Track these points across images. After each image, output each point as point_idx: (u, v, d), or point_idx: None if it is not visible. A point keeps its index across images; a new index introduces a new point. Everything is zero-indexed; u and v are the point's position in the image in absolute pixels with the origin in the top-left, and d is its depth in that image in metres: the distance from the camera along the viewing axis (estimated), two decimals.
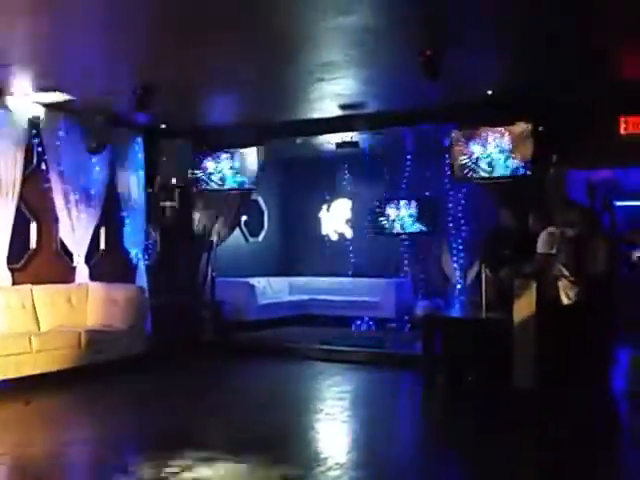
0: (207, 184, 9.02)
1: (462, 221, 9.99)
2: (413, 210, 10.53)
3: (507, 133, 7.33)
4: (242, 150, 8.89)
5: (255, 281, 10.15)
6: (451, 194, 9.97)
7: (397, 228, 10.63)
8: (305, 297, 10.79)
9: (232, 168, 8.95)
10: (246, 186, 8.96)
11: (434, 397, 6.30)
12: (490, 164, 7.43)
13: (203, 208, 9.27)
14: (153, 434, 4.90)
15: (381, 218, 10.82)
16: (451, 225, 10.11)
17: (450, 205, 10.04)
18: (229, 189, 9.00)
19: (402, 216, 10.62)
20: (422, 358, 6.83)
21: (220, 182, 8.97)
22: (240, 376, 7.17)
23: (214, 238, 9.18)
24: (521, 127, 7.24)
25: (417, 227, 10.49)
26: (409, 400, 6.38)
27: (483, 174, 7.50)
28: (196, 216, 9.28)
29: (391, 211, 10.72)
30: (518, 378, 5.98)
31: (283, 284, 11.13)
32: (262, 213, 11.46)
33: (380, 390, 6.62)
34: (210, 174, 9.02)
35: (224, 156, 8.96)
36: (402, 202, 10.59)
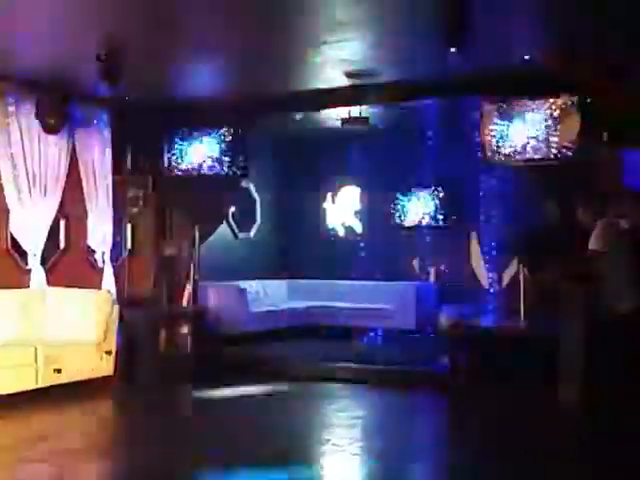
0: (186, 169, 9.05)
1: (495, 212, 10.01)
2: (436, 199, 10.55)
3: (548, 106, 7.33)
4: (228, 129, 8.90)
5: (246, 285, 10.18)
6: (482, 180, 9.98)
7: (417, 221, 10.67)
8: (306, 304, 10.82)
9: (217, 149, 8.97)
10: (234, 171, 8.99)
11: (462, 424, 6.30)
12: (528, 144, 7.43)
13: (182, 198, 9.31)
14: None
15: (398, 209, 10.86)
16: (483, 217, 10.13)
17: (481, 193, 10.05)
18: (213, 174, 9.04)
19: (423, 206, 10.65)
20: (448, 377, 6.85)
21: (202, 166, 9.00)
22: (226, 401, 7.20)
23: (195, 233, 9.21)
24: (565, 99, 7.24)
25: (441, 219, 10.51)
26: (432, 428, 6.38)
27: (519, 156, 7.51)
28: (173, 207, 9.31)
29: (410, 200, 10.74)
30: (564, 401, 5.99)
31: (280, 288, 11.16)
32: (254, 203, 11.48)
33: (397, 416, 6.60)
34: (190, 157, 9.05)
35: (207, 136, 8.99)
36: (423, 190, 10.62)
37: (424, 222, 10.62)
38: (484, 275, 10.02)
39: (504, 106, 7.54)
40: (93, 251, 8.64)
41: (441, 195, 10.49)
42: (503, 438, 5.62)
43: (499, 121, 7.58)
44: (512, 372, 6.39)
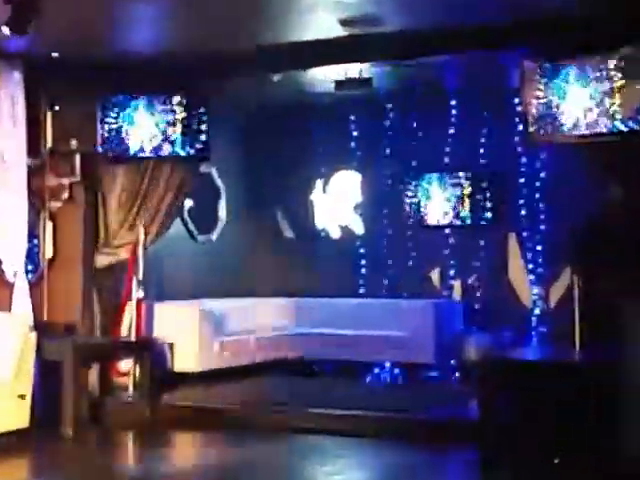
0: (127, 148, 9.07)
1: (541, 206, 10.07)
2: (462, 189, 10.60)
3: (610, 66, 7.39)
4: (184, 96, 8.93)
5: (209, 305, 10.20)
6: (523, 164, 10.06)
7: (437, 218, 10.72)
8: (290, 331, 10.87)
9: (168, 123, 9.00)
10: (190, 152, 9.01)
11: None
12: (583, 115, 7.49)
13: (121, 188, 9.33)
14: None
15: (411, 202, 10.90)
16: (524, 213, 10.20)
17: (522, 181, 10.12)
18: (162, 157, 9.06)
19: (445, 199, 10.71)
20: (478, 427, 6.88)
21: (147, 145, 9.03)
22: (180, 460, 7.18)
23: (139, 236, 9.23)
24: (631, 54, 7.29)
25: (469, 216, 10.55)
26: None
27: (573, 131, 7.56)
28: (110, 200, 9.32)
29: (427, 191, 10.78)
30: (629, 451, 6.03)
31: (254, 310, 11.16)
32: (217, 195, 11.53)
33: None
34: (132, 133, 9.07)
35: (155, 106, 9.00)
36: (445, 177, 10.66)
37: (446, 220, 10.65)
38: (526, 290, 10.06)
39: (551, 65, 7.58)
40: (0, 261, 8.65)
41: (468, 184, 10.52)
42: None
43: (545, 86, 7.63)
44: (563, 422, 6.42)
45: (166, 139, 8.98)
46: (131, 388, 8.96)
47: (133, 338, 9.01)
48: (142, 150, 9.02)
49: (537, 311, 9.95)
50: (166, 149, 8.99)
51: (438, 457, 7.26)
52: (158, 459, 7.30)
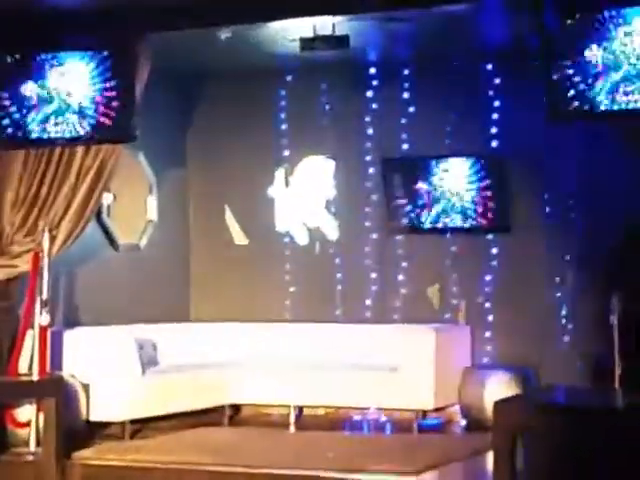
0: (25, 129, 9.04)
1: (571, 202, 10.13)
2: (470, 180, 10.63)
3: None
4: (101, 58, 8.88)
5: (136, 333, 10.16)
6: (548, 148, 10.10)
7: (437, 220, 10.76)
8: (241, 365, 10.86)
9: (83, 95, 8.96)
10: (112, 133, 8.99)
11: None
12: (625, 84, 7.53)
13: (18, 180, 9.26)
14: None
15: (401, 198, 10.91)
16: (548, 211, 10.24)
17: (546, 172, 10.15)
18: (73, 139, 9.02)
19: (447, 194, 10.75)
20: None
21: (54, 125, 9.00)
22: None
23: (44, 242, 9.17)
24: None
25: (478, 217, 10.60)
26: None
27: (612, 106, 7.60)
28: (3, 195, 9.26)
29: (423, 183, 10.81)
30: None
31: (195, 340, 11.18)
32: (146, 190, 11.51)
33: None
34: (31, 108, 9.05)
35: (61, 69, 8.98)
36: (445, 165, 10.68)
37: (448, 222, 10.72)
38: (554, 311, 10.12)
39: (581, 18, 7.62)
40: None
41: (479, 173, 10.57)
42: None
43: (575, 47, 7.67)
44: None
45: (79, 116, 8.95)
46: (33, 442, 8.87)
47: (35, 377, 8.95)
48: (44, 131, 8.98)
49: (567, 338, 10.02)
50: (79, 129, 8.96)
51: None
52: None
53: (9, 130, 9.02)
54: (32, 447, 8.84)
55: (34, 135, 8.99)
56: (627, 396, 7.14)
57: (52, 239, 9.21)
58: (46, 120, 8.96)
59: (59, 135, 8.98)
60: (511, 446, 6.79)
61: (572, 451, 6.48)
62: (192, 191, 11.86)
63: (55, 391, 8.88)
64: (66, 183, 9.30)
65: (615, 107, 7.58)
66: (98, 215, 10.63)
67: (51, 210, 9.29)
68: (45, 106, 8.97)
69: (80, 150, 9.23)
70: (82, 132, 8.93)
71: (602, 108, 7.60)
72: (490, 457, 7.45)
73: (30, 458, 8.75)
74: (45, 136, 8.99)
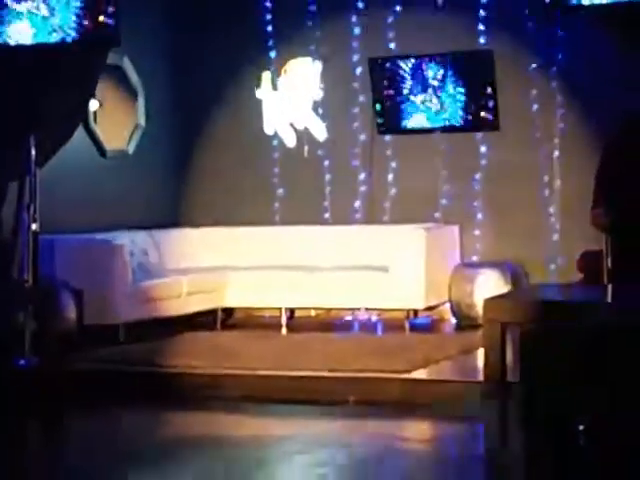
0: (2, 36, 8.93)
1: (559, 98, 10.08)
2: (457, 77, 10.63)
3: None
4: None
5: (125, 239, 10.21)
6: (534, 42, 10.03)
7: (425, 118, 10.71)
8: (232, 271, 10.93)
9: None
10: (94, 34, 8.86)
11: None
12: None
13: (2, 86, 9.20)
14: None
15: (390, 98, 10.85)
16: (536, 108, 10.20)
17: (533, 66, 10.10)
18: (56, 43, 8.90)
19: (437, 91, 10.70)
20: (491, 390, 6.93)
21: (30, 30, 8.88)
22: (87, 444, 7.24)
23: (30, 149, 9.13)
24: None
25: (466, 115, 10.58)
26: None
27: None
28: None
29: (412, 81, 10.75)
30: None
31: (185, 244, 11.23)
32: (133, 94, 11.45)
33: (395, 463, 6.73)
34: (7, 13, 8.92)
35: None
36: (433, 60, 10.66)
37: (437, 120, 10.71)
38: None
39: None
40: None
41: (467, 73, 10.52)
42: None
43: None
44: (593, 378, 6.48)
45: (61, 18, 8.84)
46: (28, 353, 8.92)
47: (25, 284, 8.97)
48: (21, 33, 8.87)
49: (555, 238, 10.07)
50: (59, 33, 8.86)
51: (437, 428, 7.53)
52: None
53: None
54: (25, 358, 8.89)
55: (20, 39, 8.87)
56: (616, 292, 7.16)
57: (40, 147, 9.19)
58: (30, 21, 8.88)
59: (40, 41, 8.89)
60: (501, 342, 6.83)
61: (562, 346, 6.51)
62: (179, 96, 11.76)
63: (45, 297, 8.92)
64: (50, 91, 9.21)
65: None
66: (85, 122, 10.58)
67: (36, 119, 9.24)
68: (22, 9, 8.89)
69: (63, 56, 9.14)
70: (59, 38, 8.85)
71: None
72: (480, 354, 7.55)
73: (19, 367, 8.76)
74: (24, 42, 8.91)
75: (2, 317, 8.79)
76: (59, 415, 8.12)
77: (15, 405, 8.12)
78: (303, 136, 11.45)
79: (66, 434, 7.79)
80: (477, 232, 10.64)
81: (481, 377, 6.96)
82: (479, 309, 7.63)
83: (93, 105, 10.60)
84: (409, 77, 10.73)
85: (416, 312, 10.43)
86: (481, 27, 10.42)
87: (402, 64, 10.71)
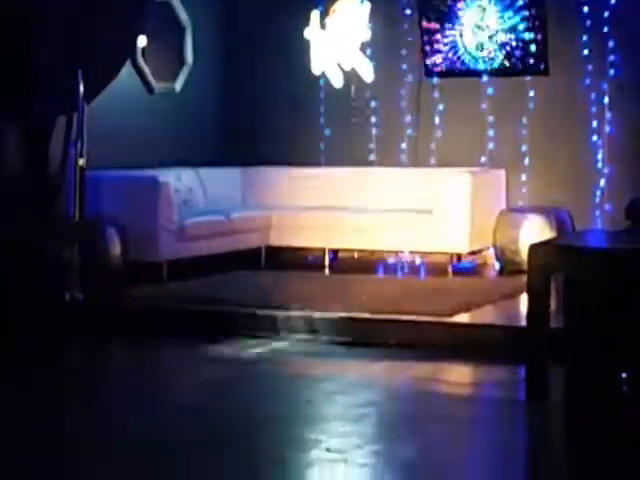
0: None
1: (610, 44, 9.98)
2: (507, 21, 10.49)
3: None
4: None
5: (170, 177, 10.23)
6: None
7: (476, 60, 10.65)
8: (280, 209, 10.94)
9: None
10: None
11: (549, 425, 6.46)
12: None
13: (49, 20, 9.17)
14: None
15: (438, 41, 10.77)
16: (587, 53, 10.10)
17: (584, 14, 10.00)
18: None
19: (487, 34, 10.59)
20: (526, 334, 6.93)
21: None
22: (147, 376, 7.34)
23: (78, 86, 9.12)
24: None
25: (514, 59, 10.47)
26: (495, 428, 6.51)
27: None
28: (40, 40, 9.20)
29: (461, 24, 10.64)
30: None
31: (230, 183, 11.25)
32: (181, 32, 11.42)
33: (436, 405, 6.76)
34: None
35: None
36: (483, 1, 10.56)
37: (486, 64, 10.64)
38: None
39: None
40: None
41: (517, 16, 10.42)
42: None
43: None
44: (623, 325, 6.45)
45: None
46: (73, 288, 8.97)
47: (73, 219, 9.02)
48: None
49: (602, 184, 10.00)
50: None
51: (472, 372, 7.53)
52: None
53: None
54: (69, 292, 8.94)
55: None
56: None
57: (87, 84, 9.18)
58: None
59: None
60: (545, 288, 6.81)
61: (605, 292, 6.49)
62: (226, 34, 11.71)
63: (92, 232, 8.97)
64: (96, 26, 9.19)
65: None
66: (133, 58, 10.57)
67: (83, 54, 9.22)
68: None
69: None
70: None
71: None
72: (523, 299, 7.55)
73: (65, 299, 8.81)
74: None
75: (49, 252, 8.86)
76: (104, 350, 8.22)
77: (61, 339, 8.23)
78: (350, 77, 11.35)
79: (109, 368, 7.89)
80: (523, 177, 10.58)
81: (523, 322, 6.99)
82: (523, 255, 7.57)
83: (141, 41, 10.58)
84: (458, 19, 10.63)
85: (460, 256, 10.41)
86: None
87: (452, 5, 10.60)
